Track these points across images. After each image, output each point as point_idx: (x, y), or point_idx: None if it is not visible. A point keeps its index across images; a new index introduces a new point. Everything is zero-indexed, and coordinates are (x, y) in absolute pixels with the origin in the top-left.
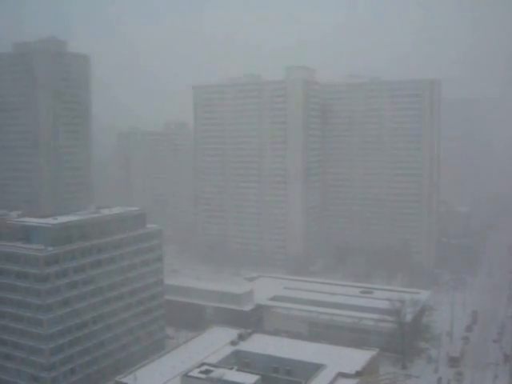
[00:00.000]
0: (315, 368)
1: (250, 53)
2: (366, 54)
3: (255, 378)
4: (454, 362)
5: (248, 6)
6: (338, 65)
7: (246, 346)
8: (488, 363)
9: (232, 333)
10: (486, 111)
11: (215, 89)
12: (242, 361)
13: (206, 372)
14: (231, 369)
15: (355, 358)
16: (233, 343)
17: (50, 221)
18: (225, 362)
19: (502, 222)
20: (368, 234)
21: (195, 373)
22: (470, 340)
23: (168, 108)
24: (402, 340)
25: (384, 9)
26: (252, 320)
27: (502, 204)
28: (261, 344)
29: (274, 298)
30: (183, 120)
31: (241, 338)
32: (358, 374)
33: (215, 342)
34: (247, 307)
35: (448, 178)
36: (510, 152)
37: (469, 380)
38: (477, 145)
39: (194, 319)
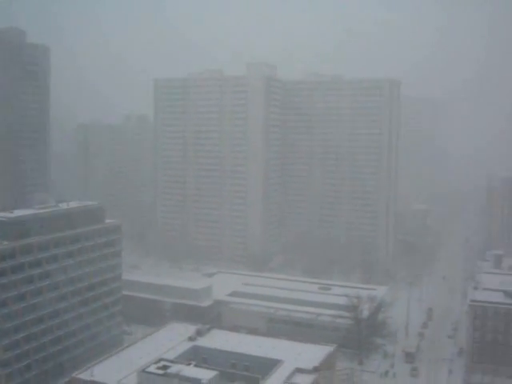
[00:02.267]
0: (273, 364)
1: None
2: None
3: (213, 373)
4: (409, 357)
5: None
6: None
7: (204, 342)
8: (443, 358)
9: (190, 328)
10: (446, 110)
11: (176, 83)
12: (199, 356)
13: (164, 368)
14: (189, 364)
15: (312, 354)
16: (191, 339)
17: (7, 215)
18: (182, 358)
19: (457, 218)
20: (327, 231)
21: (152, 368)
22: (426, 336)
23: (129, 101)
24: (359, 336)
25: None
26: (210, 316)
27: (459, 201)
28: (219, 340)
29: (232, 294)
30: (144, 113)
31: (199, 333)
32: (315, 370)
33: (173, 338)
34: (206, 303)
35: (406, 175)
36: (467, 150)
37: (424, 375)
38: (436, 143)
39: (152, 315)
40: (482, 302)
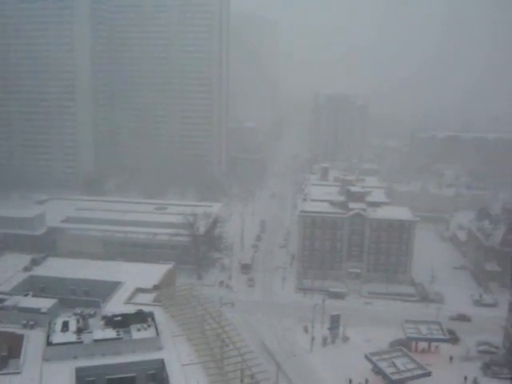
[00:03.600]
0: (113, 286)
1: None
2: None
3: (52, 301)
4: (245, 268)
5: None
6: None
7: (40, 271)
8: (276, 267)
9: (25, 259)
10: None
11: None
12: (37, 286)
13: (0, 301)
14: (26, 295)
15: (152, 273)
16: (26, 269)
17: None
18: (19, 289)
19: (288, 135)
20: (161, 151)
21: None
22: (260, 247)
23: None
24: (197, 252)
25: None
26: (45, 244)
27: (290, 119)
28: (56, 267)
29: (66, 220)
30: None
31: (34, 263)
32: (155, 288)
33: (7, 270)
34: (39, 231)
35: (233, 94)
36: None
37: (260, 284)
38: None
39: None
40: (310, 213)
